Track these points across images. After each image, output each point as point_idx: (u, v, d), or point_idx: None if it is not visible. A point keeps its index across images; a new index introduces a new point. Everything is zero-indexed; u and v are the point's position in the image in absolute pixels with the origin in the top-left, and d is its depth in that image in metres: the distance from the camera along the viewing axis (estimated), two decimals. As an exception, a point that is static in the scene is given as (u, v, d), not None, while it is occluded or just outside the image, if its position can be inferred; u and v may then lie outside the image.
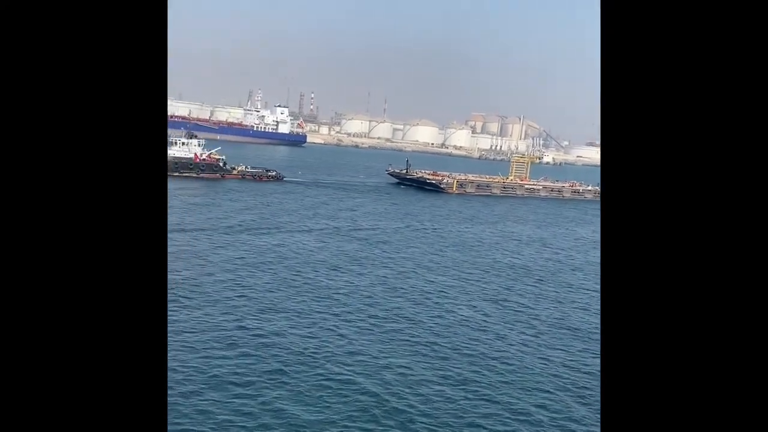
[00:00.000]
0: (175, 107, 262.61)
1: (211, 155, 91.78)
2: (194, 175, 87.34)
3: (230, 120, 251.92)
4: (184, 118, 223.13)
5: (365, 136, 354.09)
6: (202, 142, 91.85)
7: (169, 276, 34.84)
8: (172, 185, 77.98)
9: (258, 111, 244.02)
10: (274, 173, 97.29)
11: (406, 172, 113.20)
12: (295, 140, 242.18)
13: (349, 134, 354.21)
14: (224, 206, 65.87)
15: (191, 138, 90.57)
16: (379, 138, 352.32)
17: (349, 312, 32.61)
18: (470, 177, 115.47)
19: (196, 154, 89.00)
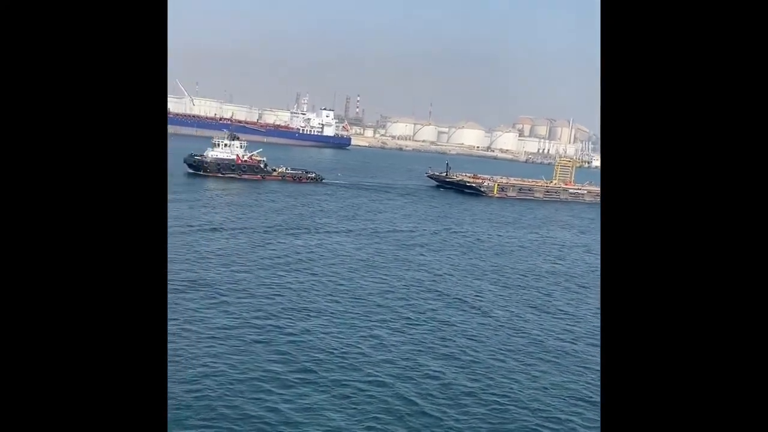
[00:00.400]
0: (224, 110, 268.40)
1: (253, 157, 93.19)
2: (236, 176, 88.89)
3: (277, 123, 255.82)
4: (228, 120, 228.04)
5: (410, 139, 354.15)
6: (244, 143, 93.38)
7: (207, 274, 35.60)
8: (214, 185, 79.64)
9: (304, 114, 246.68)
10: (313, 175, 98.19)
11: (446, 174, 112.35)
12: (340, 143, 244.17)
13: (393, 137, 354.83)
14: (264, 207, 66.75)
15: (233, 140, 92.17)
16: (423, 141, 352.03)
17: (384, 313, 32.45)
18: (512, 180, 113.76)
19: (237, 156, 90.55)
